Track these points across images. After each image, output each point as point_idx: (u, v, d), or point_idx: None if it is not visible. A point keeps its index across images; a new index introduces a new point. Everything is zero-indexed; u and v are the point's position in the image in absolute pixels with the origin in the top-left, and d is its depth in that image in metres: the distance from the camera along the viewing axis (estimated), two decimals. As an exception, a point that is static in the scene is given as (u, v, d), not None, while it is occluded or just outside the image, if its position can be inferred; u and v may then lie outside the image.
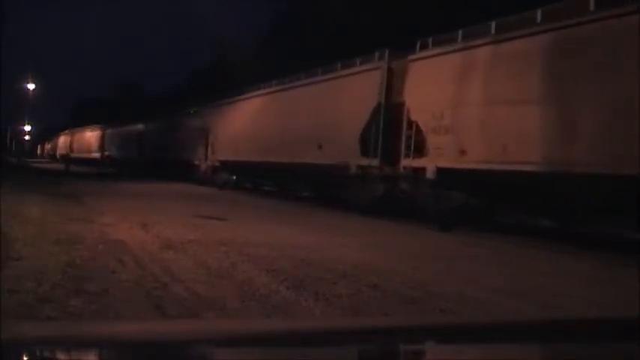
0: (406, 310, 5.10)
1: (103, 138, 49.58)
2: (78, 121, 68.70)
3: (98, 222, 9.98)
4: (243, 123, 23.24)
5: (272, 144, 19.91)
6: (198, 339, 1.42)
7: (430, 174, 12.70)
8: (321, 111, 17.53)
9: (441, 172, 12.48)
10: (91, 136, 54.30)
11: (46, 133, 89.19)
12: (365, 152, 15.09)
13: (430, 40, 13.50)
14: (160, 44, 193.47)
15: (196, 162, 28.31)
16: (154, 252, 7.32)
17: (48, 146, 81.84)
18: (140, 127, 40.33)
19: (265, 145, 20.37)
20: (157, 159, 34.64)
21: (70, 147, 60.30)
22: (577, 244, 9.91)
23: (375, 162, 14.77)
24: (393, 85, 14.58)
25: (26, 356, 1.22)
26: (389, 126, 14.41)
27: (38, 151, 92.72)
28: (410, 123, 13.57)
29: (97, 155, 50.19)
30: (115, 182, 26.01)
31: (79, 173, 33.49)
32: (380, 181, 14.65)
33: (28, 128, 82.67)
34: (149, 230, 9.26)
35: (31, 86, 57.59)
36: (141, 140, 38.99)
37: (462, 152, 11.97)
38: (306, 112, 18.37)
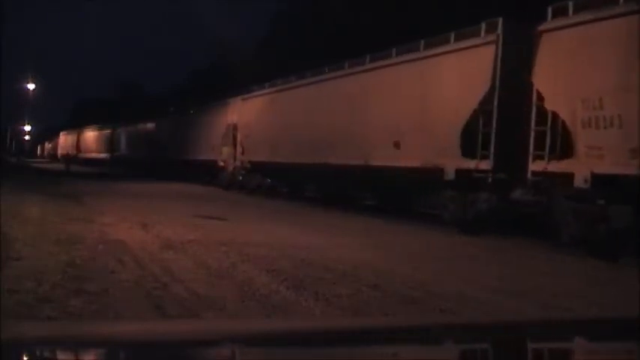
0: (406, 310, 5.10)
1: (112, 137, 46.77)
2: (78, 121, 68.61)
3: (98, 222, 9.98)
4: (284, 118, 19.56)
5: (323, 143, 16.71)
6: (199, 339, 1.42)
7: (580, 182, 9.47)
8: (399, 100, 13.92)
9: (597, 179, 9.23)
10: (99, 135, 51.39)
11: (46, 133, 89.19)
12: (469, 152, 11.61)
13: (571, 4, 10.03)
14: (160, 44, 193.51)
15: (221, 163, 24.69)
16: (153, 252, 7.32)
17: (48, 146, 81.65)
18: (150, 125, 37.77)
19: (314, 144, 17.10)
20: (171, 159, 31.71)
21: (77, 147, 57.86)
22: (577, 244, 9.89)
23: (486, 164, 11.18)
24: (511, 64, 11.06)
25: (26, 356, 1.22)
26: (506, 117, 11.01)
27: (38, 151, 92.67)
28: (542, 114, 10.22)
29: (105, 155, 47.65)
30: (115, 182, 26.01)
31: (79, 173, 33.49)
32: (490, 189, 11.23)
33: (28, 128, 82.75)
34: (149, 230, 9.26)
35: (31, 86, 57.69)
36: (152, 140, 36.18)
37: (634, 152, 8.79)
38: (377, 102, 14.74)
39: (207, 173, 26.27)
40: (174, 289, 5.40)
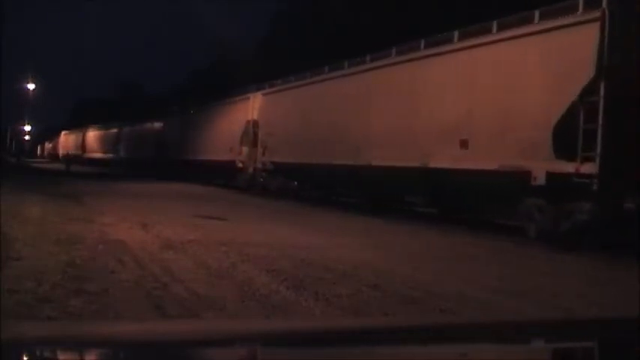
0: (406, 310, 5.10)
1: (118, 137, 44.87)
2: (78, 121, 68.55)
3: (98, 222, 9.98)
4: (316, 114, 17.39)
5: (365, 142, 14.82)
6: (198, 339, 1.42)
7: None
8: (467, 91, 11.93)
9: None
10: (105, 135, 49.26)
11: (46, 133, 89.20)
12: (565, 152, 9.67)
13: None
14: (160, 44, 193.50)
15: (239, 164, 22.54)
16: (153, 252, 7.31)
17: (49, 146, 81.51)
18: (158, 125, 35.66)
19: (354, 143, 15.20)
20: (183, 160, 29.48)
21: (83, 146, 55.45)
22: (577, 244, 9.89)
23: (589, 167, 9.19)
24: (621, 45, 9.23)
25: (26, 356, 1.22)
26: (615, 111, 9.10)
27: (38, 151, 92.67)
28: None
29: (112, 155, 45.73)
30: (115, 182, 26.00)
31: (79, 173, 33.49)
32: (595, 197, 9.27)
33: (28, 128, 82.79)
34: (149, 230, 9.26)
35: (31, 86, 57.81)
36: (160, 140, 33.98)
37: None
38: (436, 94, 12.75)
39: (224, 175, 24.58)
40: (175, 289, 5.40)
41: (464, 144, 11.70)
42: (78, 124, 64.11)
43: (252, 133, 21.61)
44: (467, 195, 12.64)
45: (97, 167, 44.54)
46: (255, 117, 21.62)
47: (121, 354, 1.31)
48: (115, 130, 45.98)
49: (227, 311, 4.74)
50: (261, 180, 21.15)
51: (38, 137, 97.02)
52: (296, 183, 19.79)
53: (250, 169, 21.82)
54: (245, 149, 22.06)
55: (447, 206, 14.29)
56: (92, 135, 53.89)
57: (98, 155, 49.70)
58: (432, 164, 12.43)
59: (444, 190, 13.19)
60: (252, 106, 22.02)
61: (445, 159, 12.07)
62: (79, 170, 37.51)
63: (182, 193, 20.76)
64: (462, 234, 11.03)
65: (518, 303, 5.62)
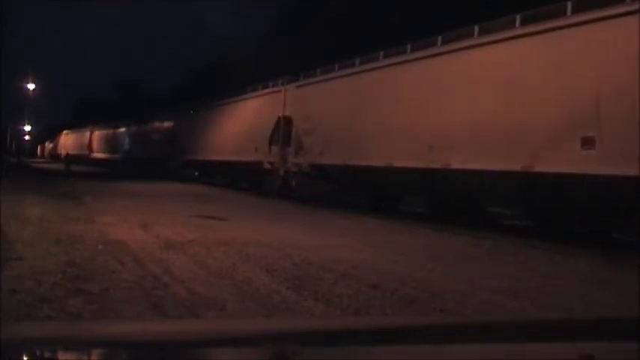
0: (406, 310, 5.10)
1: (126, 137, 42.73)
2: (78, 120, 68.47)
3: (98, 222, 9.98)
4: (370, 107, 14.81)
5: (440, 140, 12.46)
6: (198, 339, 1.42)
7: None
8: (591, 72, 9.47)
9: None
10: (113, 134, 46.74)
11: (46, 133, 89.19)
12: None
13: None
14: (159, 44, 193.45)
15: (267, 165, 19.87)
16: (153, 252, 7.31)
17: (49, 146, 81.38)
18: (168, 124, 33.21)
19: (422, 141, 12.74)
20: (195, 160, 27.32)
21: (90, 146, 53.01)
22: (577, 244, 9.89)
23: None
24: None
25: (26, 356, 1.22)
26: None
27: (38, 151, 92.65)
28: None
29: (119, 156, 43.40)
30: (115, 182, 26.00)
31: (79, 173, 33.48)
32: None
33: (28, 128, 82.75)
34: (149, 230, 9.26)
35: (31, 86, 57.75)
36: (171, 139, 31.56)
37: None
38: (544, 77, 10.35)
39: (248, 177, 21.97)
40: (175, 289, 5.40)
41: (588, 143, 9.30)
42: (79, 123, 63.79)
43: (283, 131, 18.93)
44: (585, 207, 9.95)
45: (105, 168, 43.17)
46: (288, 112, 18.89)
47: (121, 354, 1.31)
48: (122, 130, 43.89)
49: (227, 311, 4.74)
50: (293, 183, 18.55)
51: (38, 137, 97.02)
52: (340, 187, 17.12)
53: (281, 172, 19.12)
54: (275, 149, 19.40)
55: (549, 218, 11.08)
56: (99, 134, 51.36)
57: (105, 155, 47.50)
58: (539, 168, 10.18)
59: (553, 200, 10.52)
60: (283, 100, 19.31)
61: (559, 162, 9.84)
62: (80, 170, 37.49)
63: (182, 192, 20.77)
64: (463, 234, 11.02)
65: (519, 303, 5.61)
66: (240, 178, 23.02)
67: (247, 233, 9.44)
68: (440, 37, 13.06)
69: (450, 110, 12.35)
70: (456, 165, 11.97)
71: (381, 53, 15.09)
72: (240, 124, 22.53)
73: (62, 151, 62.42)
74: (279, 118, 19.30)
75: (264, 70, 28.22)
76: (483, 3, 18.84)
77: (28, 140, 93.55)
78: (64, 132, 68.80)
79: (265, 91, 21.44)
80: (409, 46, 14.10)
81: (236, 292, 5.43)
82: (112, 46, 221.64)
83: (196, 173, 27.89)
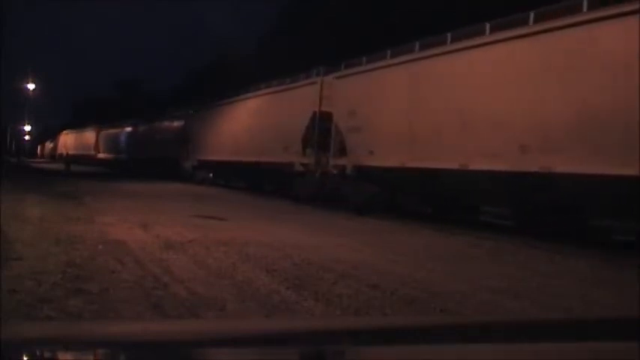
0: (406, 310, 5.10)
1: (132, 136, 40.46)
2: (79, 120, 68.42)
3: (98, 222, 9.99)
4: (438, 100, 12.53)
5: (536, 138, 10.21)
6: (198, 339, 1.42)
7: None
8: None
9: None
10: (120, 133, 44.30)
11: (46, 132, 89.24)
12: None
13: None
14: (160, 44, 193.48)
15: (299, 167, 17.56)
16: (154, 252, 7.32)
17: (50, 146, 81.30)
18: (179, 123, 30.96)
19: (513, 138, 10.54)
20: (208, 161, 25.57)
21: (96, 147, 50.83)
22: (577, 244, 9.89)
23: None
24: None
25: (26, 356, 1.22)
26: None
27: (38, 151, 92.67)
28: None
29: (127, 156, 41.17)
30: (115, 182, 26.00)
31: (79, 173, 33.48)
32: None
33: (28, 128, 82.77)
34: (149, 230, 9.27)
35: (31, 86, 57.77)
36: (180, 139, 29.47)
37: None
38: None
39: (274, 180, 19.92)
40: (175, 289, 5.40)
41: None
42: (80, 123, 63.51)
43: (320, 129, 16.70)
44: None
45: (113, 169, 41.81)
46: (326, 107, 16.59)
47: (121, 354, 1.31)
48: (131, 129, 41.45)
49: (227, 311, 4.74)
50: (333, 188, 16.28)
51: (38, 137, 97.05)
52: (391, 194, 14.75)
53: (317, 174, 16.93)
54: (309, 149, 17.20)
55: None
56: (106, 134, 48.76)
57: (114, 156, 45.03)
58: None
59: None
60: (320, 94, 16.83)
61: None
62: (80, 170, 37.49)
63: (182, 192, 20.77)
64: (463, 234, 11.02)
65: (519, 303, 5.62)
66: (265, 181, 20.86)
67: (247, 233, 9.44)
68: (532, 13, 10.62)
69: (553, 100, 9.86)
70: (560, 168, 9.62)
71: (449, 35, 12.63)
72: (265, 121, 20.04)
73: (63, 151, 61.18)
74: (314, 113, 16.92)
75: (264, 70, 28.17)
76: (483, 3, 18.85)
77: (28, 140, 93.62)
78: (64, 132, 68.37)
79: (296, 83, 18.81)
80: (488, 26, 11.61)
81: (236, 292, 5.43)
82: (112, 46, 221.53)
83: (211, 175, 25.91)
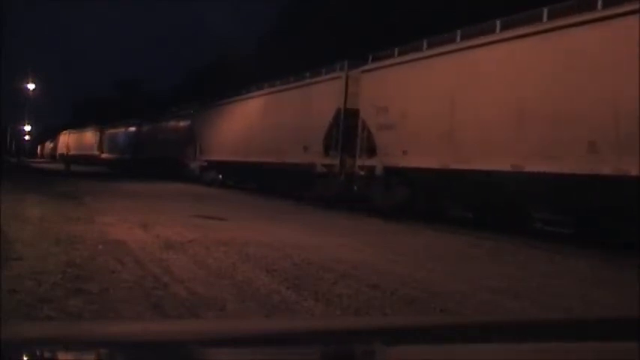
0: (406, 310, 5.10)
1: (140, 136, 39.20)
2: (79, 120, 68.37)
3: (98, 222, 9.98)
4: (499, 92, 11.03)
5: (613, 133, 8.98)
6: (198, 339, 1.42)
7: None
8: None
9: None
10: (125, 133, 43.08)
11: (46, 132, 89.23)
12: None
13: None
14: (160, 44, 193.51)
15: (321, 168, 16.47)
16: (154, 252, 7.31)
17: (50, 145, 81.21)
18: (185, 122, 29.78)
19: (581, 134, 9.39)
20: (217, 162, 24.46)
21: (100, 147, 49.79)
22: (577, 244, 9.90)
23: None
24: None
25: (26, 356, 1.22)
26: None
27: (38, 151, 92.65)
28: None
29: (128, 157, 40.43)
30: (115, 182, 26.00)
31: (79, 173, 33.48)
32: None
33: (28, 128, 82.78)
34: (149, 230, 9.27)
35: (31, 86, 57.78)
36: (189, 138, 28.23)
37: None
38: None
39: (291, 182, 18.49)
40: (175, 289, 5.40)
41: None
42: (81, 123, 63.33)
43: (346, 127, 15.56)
44: None
45: (117, 169, 40.82)
46: (352, 104, 15.47)
47: (121, 354, 1.31)
48: (136, 129, 40.37)
49: (227, 311, 4.74)
50: (355, 189, 15.29)
51: (38, 137, 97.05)
52: (428, 197, 13.61)
53: (341, 176, 15.79)
54: (333, 149, 16.01)
55: None
56: (110, 134, 47.74)
57: (118, 156, 43.93)
58: None
59: None
60: (344, 89, 15.81)
61: None
62: (80, 170, 37.48)
63: (182, 192, 20.77)
64: (463, 234, 11.03)
65: (519, 303, 5.62)
66: (281, 183, 19.37)
67: (247, 233, 9.44)
68: None
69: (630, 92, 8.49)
70: (636, 171, 8.28)
71: (498, 23, 11.25)
72: (282, 120, 18.78)
73: (64, 151, 60.30)
74: (338, 110, 15.78)
75: (264, 70, 28.15)
76: (483, 3, 18.85)
77: (28, 140, 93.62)
78: (64, 132, 68.01)
79: (317, 79, 17.48)
80: (545, 11, 10.38)
81: (236, 292, 5.43)
82: (112, 46, 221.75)
83: (220, 176, 24.90)
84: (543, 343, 1.55)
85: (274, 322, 3.27)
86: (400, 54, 14.10)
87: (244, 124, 21.79)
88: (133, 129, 41.10)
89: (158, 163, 32.39)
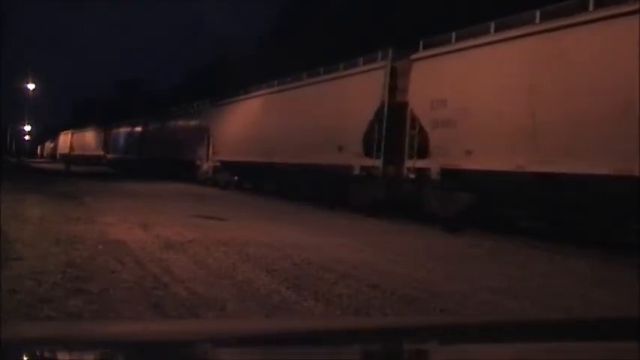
0: (406, 310, 5.10)
1: (143, 136, 37.99)
2: (79, 120, 68.34)
3: (98, 222, 9.99)
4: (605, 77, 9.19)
5: None
6: (198, 339, 1.42)
7: None
8: None
9: None
10: (132, 133, 41.03)
11: (46, 132, 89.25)
12: None
13: None
14: (160, 44, 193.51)
15: (358, 171, 14.61)
16: (154, 252, 7.32)
17: (50, 145, 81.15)
18: (194, 122, 28.16)
19: None
20: (232, 163, 22.92)
21: (105, 147, 47.87)
22: (577, 244, 9.90)
23: None
24: None
25: (26, 356, 1.22)
26: None
27: (38, 151, 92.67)
28: None
29: (133, 157, 39.17)
30: (115, 182, 25.99)
31: (79, 173, 33.48)
32: None
33: (28, 128, 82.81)
34: (149, 230, 9.27)
35: (31, 86, 57.77)
36: (201, 137, 26.54)
37: None
38: None
39: (322, 185, 16.64)
40: (175, 289, 5.40)
41: None
42: (79, 123, 63.25)
43: (390, 123, 13.79)
44: None
45: (122, 170, 39.68)
46: (401, 97, 13.66)
47: (121, 354, 1.31)
48: (143, 129, 38.55)
49: (227, 311, 4.74)
50: (408, 197, 13.35)
51: (38, 137, 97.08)
52: (499, 205, 11.91)
53: (383, 179, 14.01)
54: (373, 148, 14.19)
55: None
56: (116, 133, 45.87)
57: (125, 156, 42.22)
58: None
59: None
60: (387, 81, 13.97)
61: None
62: (80, 170, 37.48)
63: (182, 192, 20.77)
64: (463, 234, 11.03)
65: (519, 303, 5.62)
66: (307, 186, 17.64)
67: (247, 233, 9.44)
68: None
69: None
70: None
71: (591, 0, 9.49)
72: (310, 117, 16.87)
73: (66, 151, 59.23)
74: (381, 105, 13.89)
75: (264, 70, 28.12)
76: (483, 3, 18.85)
77: (28, 140, 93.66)
78: (66, 132, 67.63)
79: (354, 70, 15.57)
80: None
81: (236, 292, 5.43)
82: (112, 46, 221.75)
83: (235, 178, 23.46)
84: (543, 343, 1.55)
85: (274, 322, 3.27)
86: (458, 39, 12.21)
87: (265, 121, 19.95)
88: (138, 129, 39.42)
89: (167, 164, 30.71)
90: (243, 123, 21.81)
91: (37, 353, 1.27)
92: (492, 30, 11.35)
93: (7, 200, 11.56)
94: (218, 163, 24.51)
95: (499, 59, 11.09)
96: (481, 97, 11.38)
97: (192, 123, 28.50)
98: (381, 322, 2.47)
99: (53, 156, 70.44)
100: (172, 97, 48.46)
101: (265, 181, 21.21)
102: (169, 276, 5.94)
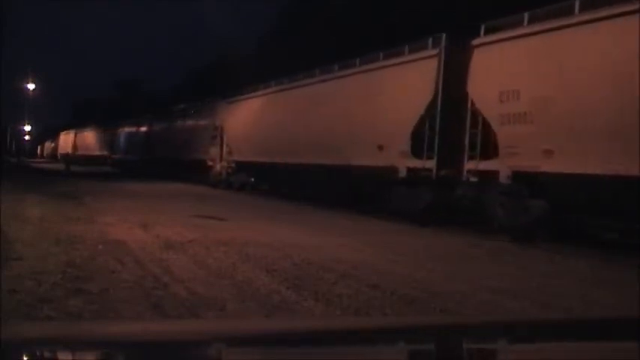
0: (406, 310, 5.10)
1: (149, 136, 36.82)
2: (79, 120, 68.30)
3: (98, 222, 9.99)
4: None
5: None
6: (199, 339, 1.42)
7: None
8: None
9: None
10: (138, 133, 39.76)
11: (46, 132, 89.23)
12: None
13: None
14: (160, 44, 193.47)
15: (402, 173, 13.04)
16: (154, 252, 7.32)
17: (50, 145, 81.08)
18: (204, 121, 26.57)
19: None
20: (248, 163, 21.51)
21: (110, 147, 47.24)
22: (577, 244, 9.89)
23: None
24: None
25: (26, 356, 1.23)
26: None
27: (38, 151, 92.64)
28: None
29: (139, 157, 38.12)
30: (115, 182, 25.99)
31: (80, 173, 33.47)
32: None
33: (28, 128, 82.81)
34: (149, 230, 9.27)
35: (31, 86, 57.77)
36: (214, 136, 25.05)
37: None
38: None
39: (357, 188, 15.17)
40: (175, 289, 5.40)
41: None
42: (79, 123, 63.16)
43: (443, 119, 12.19)
44: None
45: (127, 170, 38.53)
46: (457, 88, 11.78)
47: (121, 354, 1.31)
48: (144, 129, 37.63)
49: (227, 311, 4.74)
50: (469, 203, 11.82)
51: (38, 137, 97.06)
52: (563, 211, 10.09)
53: (434, 183, 12.43)
54: (423, 147, 12.52)
55: None
56: (120, 133, 44.79)
57: (126, 156, 41.59)
58: None
59: None
60: (438, 71, 12.23)
61: None
62: (80, 170, 37.47)
63: (182, 192, 20.77)
64: (463, 234, 11.02)
65: (519, 303, 5.62)
66: (338, 189, 15.96)
67: (247, 233, 9.44)
68: None
69: None
70: None
71: None
72: (343, 112, 15.15)
73: (68, 151, 57.47)
74: (434, 98, 12.21)
75: (264, 70, 28.10)
76: (483, 3, 18.84)
77: (28, 140, 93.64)
78: (67, 131, 67.31)
79: (399, 59, 13.63)
80: None
81: (236, 292, 5.43)
82: (112, 46, 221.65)
83: (252, 179, 22.16)
84: (543, 343, 1.55)
85: (274, 322, 3.27)
86: (531, 21, 10.35)
87: (287, 118, 17.99)
88: (144, 128, 37.96)
89: (175, 165, 29.36)
90: (263, 120, 19.86)
91: (37, 353, 1.27)
92: (577, 9, 9.48)
93: (7, 200, 11.57)
94: (233, 164, 23.14)
95: (591, 42, 9.15)
96: (566, 87, 9.53)
97: (203, 121, 26.85)
98: (381, 322, 2.47)
99: (53, 156, 70.31)
100: (172, 97, 48.41)
101: (286, 183, 19.51)
102: (169, 276, 5.94)
